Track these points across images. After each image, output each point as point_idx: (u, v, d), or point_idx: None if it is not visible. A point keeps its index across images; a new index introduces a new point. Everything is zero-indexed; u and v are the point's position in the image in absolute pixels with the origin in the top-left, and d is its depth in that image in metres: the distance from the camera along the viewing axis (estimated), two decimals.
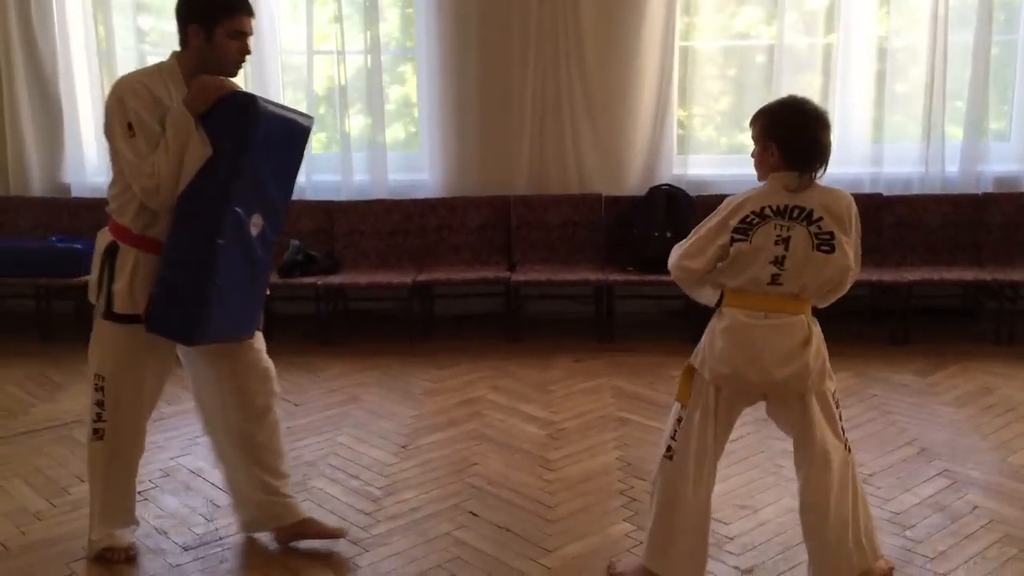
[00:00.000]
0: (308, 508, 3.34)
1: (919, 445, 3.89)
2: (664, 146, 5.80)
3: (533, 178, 5.85)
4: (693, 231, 2.68)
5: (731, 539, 3.14)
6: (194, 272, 2.68)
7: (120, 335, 2.81)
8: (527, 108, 5.70)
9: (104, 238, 2.83)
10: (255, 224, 2.77)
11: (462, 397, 4.57)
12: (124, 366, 2.84)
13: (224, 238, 2.68)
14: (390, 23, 6.08)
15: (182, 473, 3.76)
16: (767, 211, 2.55)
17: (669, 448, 2.69)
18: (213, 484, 3.60)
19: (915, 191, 5.67)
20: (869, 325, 5.47)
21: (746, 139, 5.97)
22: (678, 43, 5.73)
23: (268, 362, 3.01)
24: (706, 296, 2.71)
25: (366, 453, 3.92)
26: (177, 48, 2.80)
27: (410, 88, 6.14)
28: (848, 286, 2.62)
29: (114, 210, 2.80)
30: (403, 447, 3.98)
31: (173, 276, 2.72)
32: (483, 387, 4.70)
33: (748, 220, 2.55)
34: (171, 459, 3.90)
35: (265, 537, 3.17)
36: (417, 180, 6.01)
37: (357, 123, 5.98)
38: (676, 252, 2.69)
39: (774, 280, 2.54)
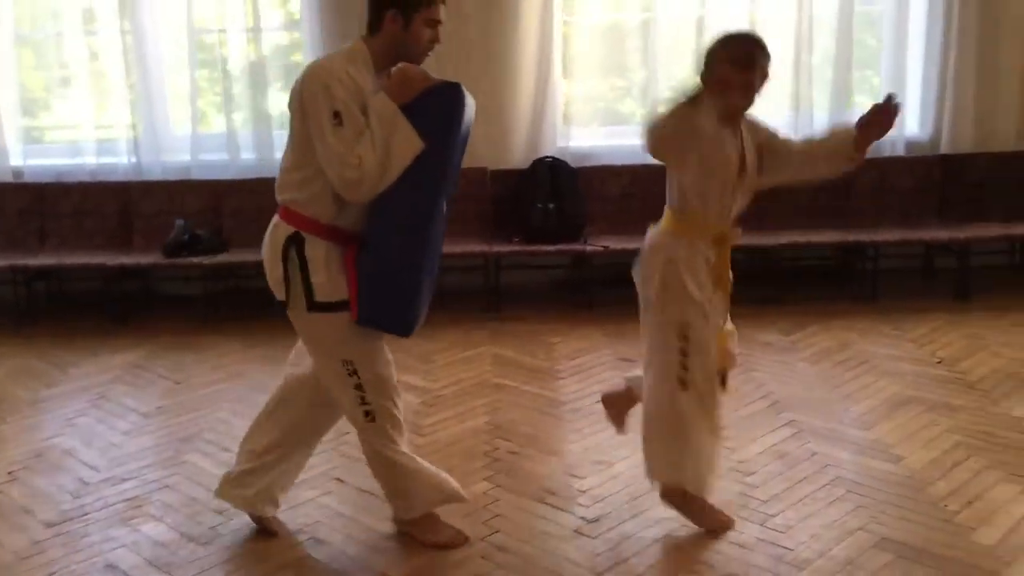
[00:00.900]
0: (177, 482, 3.43)
1: (772, 399, 4.11)
2: (547, 119, 5.92)
3: None
4: None
5: (583, 492, 3.31)
6: (407, 266, 2.67)
7: (338, 320, 2.71)
8: None
9: (283, 230, 2.70)
10: (444, 207, 2.76)
11: None
12: (366, 343, 2.76)
13: (434, 228, 2.69)
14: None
15: (55, 453, 3.79)
16: None
17: (682, 380, 2.83)
18: (85, 463, 3.65)
19: None
20: (744, 288, 5.68)
21: (626, 111, 6.20)
22: (559, 17, 5.85)
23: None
24: None
25: (243, 427, 3.97)
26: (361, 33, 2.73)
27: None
28: None
29: (297, 200, 2.68)
30: None
31: (384, 270, 2.66)
32: None
33: None
34: (44, 440, 3.92)
35: (129, 510, 3.24)
36: None
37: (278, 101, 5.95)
38: None
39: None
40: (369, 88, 2.63)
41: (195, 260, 5.49)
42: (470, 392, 4.31)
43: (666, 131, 2.59)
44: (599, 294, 5.50)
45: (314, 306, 2.70)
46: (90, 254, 5.64)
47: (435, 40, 2.71)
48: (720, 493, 3.21)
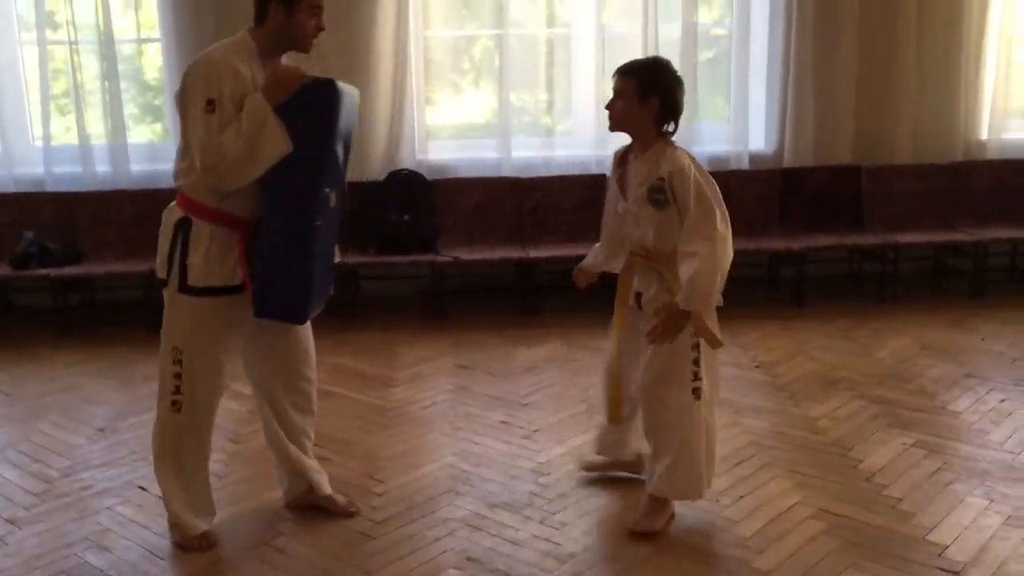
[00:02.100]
0: None
1: (588, 403, 4.22)
2: (404, 133, 6.01)
3: None
4: (709, 202, 2.82)
5: (380, 495, 3.39)
6: (296, 255, 2.76)
7: (197, 308, 2.81)
8: None
9: (174, 213, 2.82)
10: (332, 198, 2.84)
11: None
12: (202, 338, 2.85)
13: (319, 219, 2.76)
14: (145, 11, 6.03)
15: None
16: None
17: (696, 391, 2.92)
18: None
19: None
20: (595, 296, 5.84)
21: (481, 126, 6.33)
22: (417, 31, 5.95)
23: (310, 342, 3.14)
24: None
25: (62, 439, 3.99)
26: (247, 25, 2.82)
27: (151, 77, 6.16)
28: None
29: (187, 185, 2.78)
30: (100, 430, 4.06)
31: (275, 261, 2.77)
32: None
33: None
34: None
35: None
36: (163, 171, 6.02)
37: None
38: (720, 223, 2.82)
39: None
40: (258, 77, 2.73)
41: (42, 272, 5.44)
42: None
43: None
44: (455, 305, 5.61)
45: (184, 288, 2.80)
46: None
47: (319, 27, 2.82)
48: (507, 493, 3.34)
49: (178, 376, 2.88)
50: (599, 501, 3.29)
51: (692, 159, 2.91)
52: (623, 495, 3.33)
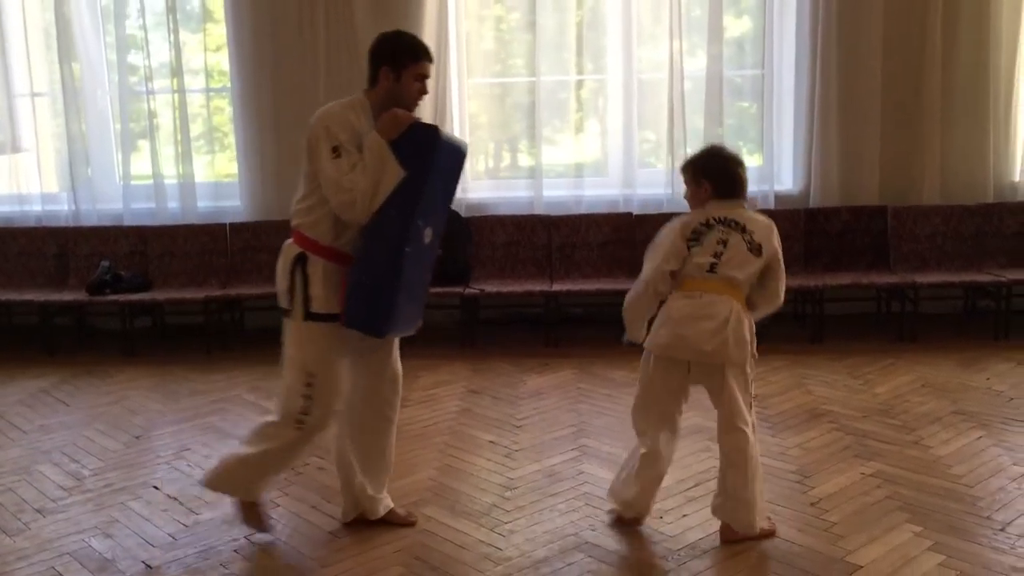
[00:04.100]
0: (15, 484, 3.93)
1: (580, 426, 4.49)
2: None
3: None
4: (650, 257, 3.29)
5: None
6: (386, 275, 3.09)
7: (323, 333, 3.15)
8: None
9: (292, 249, 3.18)
10: (427, 234, 3.21)
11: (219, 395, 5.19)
12: (330, 361, 3.20)
13: (410, 246, 3.12)
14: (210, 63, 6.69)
15: None
16: (711, 221, 3.21)
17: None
18: None
19: (663, 210, 6.33)
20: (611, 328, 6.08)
21: (521, 167, 6.69)
22: (459, 80, 6.38)
23: (398, 368, 3.44)
24: (639, 329, 3.34)
25: (101, 443, 4.51)
26: (364, 86, 3.23)
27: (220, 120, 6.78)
28: (782, 294, 3.29)
29: (304, 224, 3.16)
30: (136, 437, 4.57)
31: (367, 279, 3.09)
32: (244, 389, 5.30)
33: (697, 230, 3.21)
34: None
35: None
36: (229, 207, 6.62)
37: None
38: (647, 268, 3.27)
39: (712, 268, 3.19)
40: (365, 130, 3.11)
41: (113, 297, 6.07)
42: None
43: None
44: (485, 335, 5.98)
45: (309, 316, 3.15)
46: (30, 291, 6.27)
47: (423, 92, 3.23)
48: (472, 503, 3.64)
49: (308, 398, 3.18)
50: (551, 515, 3.55)
51: (683, 222, 3.26)
52: (578, 509, 3.57)
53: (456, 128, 6.41)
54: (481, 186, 6.60)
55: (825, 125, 6.13)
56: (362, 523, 3.50)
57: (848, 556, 3.14)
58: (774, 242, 3.24)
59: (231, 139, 6.61)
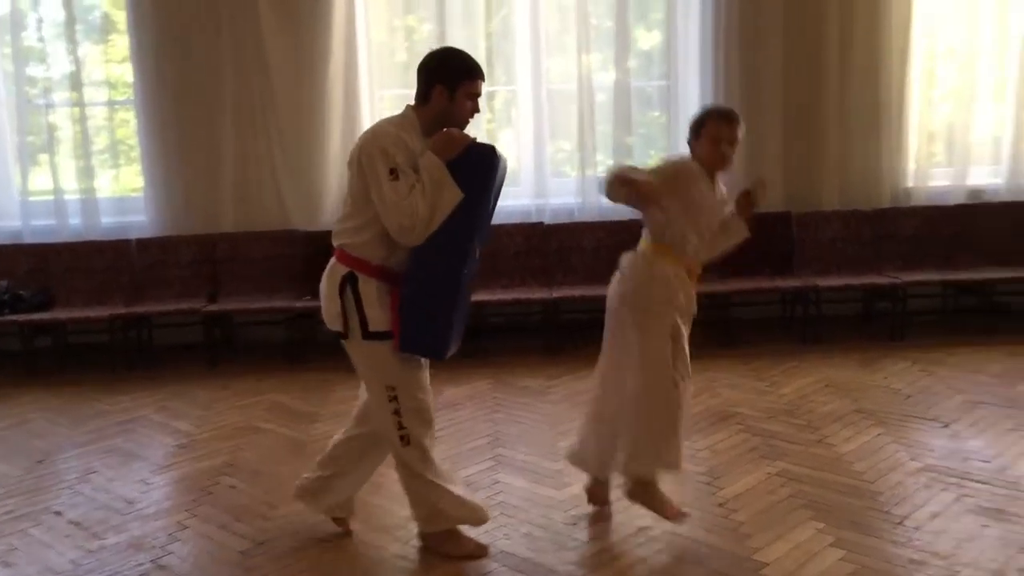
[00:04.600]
0: None
1: (496, 435, 4.51)
2: None
3: (240, 217, 6.38)
4: None
5: (268, 520, 3.68)
6: (444, 298, 3.06)
7: (387, 349, 3.09)
8: (229, 156, 6.28)
9: (339, 269, 3.10)
10: (477, 252, 3.16)
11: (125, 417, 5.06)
12: (408, 373, 3.14)
13: (467, 267, 3.09)
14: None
15: None
16: None
17: (674, 378, 3.33)
18: None
19: (575, 219, 6.41)
20: (531, 337, 6.15)
21: None
22: (369, 91, 6.37)
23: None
24: None
25: (1, 470, 4.35)
26: (411, 103, 3.15)
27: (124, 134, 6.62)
28: None
29: (352, 244, 3.08)
30: (39, 462, 4.41)
31: (424, 301, 3.05)
32: (152, 409, 5.18)
33: None
34: None
35: None
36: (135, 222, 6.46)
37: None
38: None
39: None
40: (418, 150, 3.05)
41: (12, 318, 5.86)
42: (227, 435, 4.69)
43: (641, 182, 3.19)
44: None
45: (368, 335, 3.09)
46: None
47: (476, 110, 3.16)
48: (388, 517, 3.62)
49: (398, 412, 3.14)
50: (466, 526, 3.55)
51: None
52: (492, 519, 3.58)
53: None
54: None
55: None
56: (275, 540, 3.46)
57: (755, 554, 3.23)
58: None
59: (136, 152, 6.45)
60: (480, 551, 3.31)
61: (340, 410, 5.01)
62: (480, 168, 3.08)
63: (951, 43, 6.43)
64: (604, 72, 6.43)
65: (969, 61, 6.37)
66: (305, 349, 6.10)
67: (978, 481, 3.73)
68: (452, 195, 3.01)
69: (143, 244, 6.32)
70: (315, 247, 6.24)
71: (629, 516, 3.57)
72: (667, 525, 3.45)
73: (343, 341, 3.17)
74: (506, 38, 6.43)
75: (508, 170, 3.27)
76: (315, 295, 5.93)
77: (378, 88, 6.45)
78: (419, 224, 2.98)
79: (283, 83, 6.22)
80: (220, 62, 6.17)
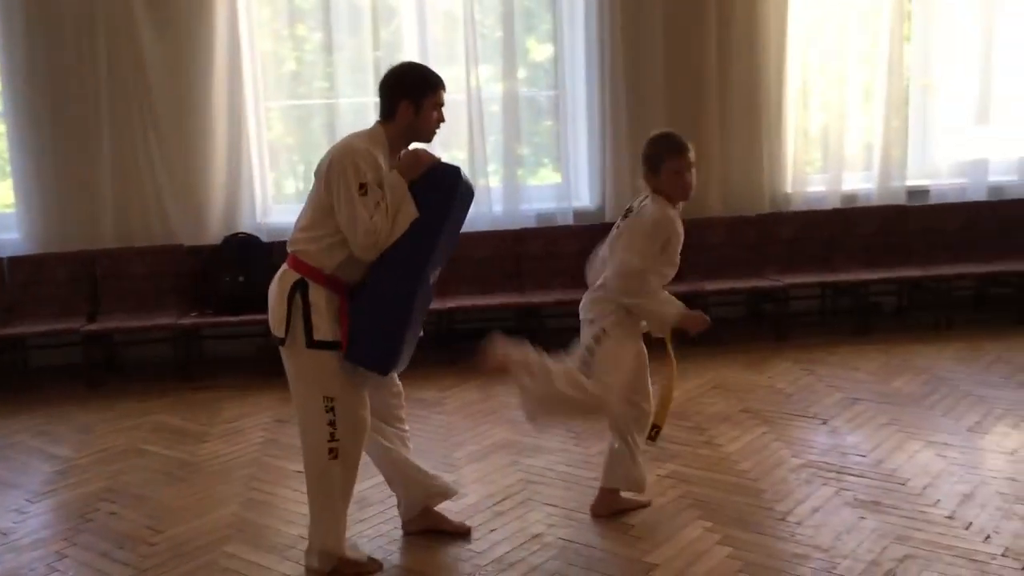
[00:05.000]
0: None
1: None
2: (244, 198, 6.27)
3: (121, 232, 6.16)
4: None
5: (153, 544, 3.56)
6: (396, 314, 3.06)
7: (330, 359, 3.06)
8: (107, 169, 6.06)
9: (290, 276, 3.08)
10: (434, 275, 3.17)
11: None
12: (350, 387, 3.10)
13: (420, 287, 3.08)
14: None
15: None
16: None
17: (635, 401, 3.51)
18: None
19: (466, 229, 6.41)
20: (429, 350, 6.11)
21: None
22: (255, 102, 6.24)
23: (400, 384, 3.43)
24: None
25: None
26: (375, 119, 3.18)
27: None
28: None
29: (307, 252, 3.07)
30: None
31: (377, 317, 3.05)
32: (28, 434, 4.95)
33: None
34: None
35: None
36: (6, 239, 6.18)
37: None
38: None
39: None
40: (385, 166, 3.08)
41: None
42: (109, 459, 4.52)
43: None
44: None
45: (313, 343, 3.05)
46: None
47: (441, 120, 3.18)
48: (277, 536, 3.54)
49: (332, 424, 3.10)
50: (359, 541, 3.50)
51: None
52: (384, 534, 3.56)
53: (254, 151, 6.27)
54: (287, 210, 6.45)
55: (616, 144, 6.41)
56: (159, 566, 3.35)
57: (645, 556, 3.28)
58: None
59: (7, 168, 6.17)
60: (373, 566, 3.28)
61: (229, 429, 4.89)
62: (441, 189, 3.13)
63: (825, 55, 6.70)
64: (495, 83, 6.46)
65: (841, 72, 6.66)
66: (193, 368, 5.92)
67: (855, 475, 3.89)
68: (408, 214, 3.06)
69: (16, 262, 6.04)
70: (201, 262, 6.11)
71: (523, 524, 3.58)
72: (560, 532, 3.49)
73: (281, 348, 3.14)
74: (395, 48, 6.40)
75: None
76: (202, 311, 5.94)
77: (265, 100, 6.33)
78: (381, 242, 3.04)
79: (163, 94, 6.05)
80: (96, 72, 5.96)
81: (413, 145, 3.23)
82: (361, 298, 3.10)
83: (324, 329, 3.07)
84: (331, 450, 3.12)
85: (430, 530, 3.50)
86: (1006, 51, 6.84)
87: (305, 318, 3.06)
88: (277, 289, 3.13)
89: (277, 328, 3.12)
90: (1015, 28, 6.85)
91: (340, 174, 3.01)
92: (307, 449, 3.18)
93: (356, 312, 3.09)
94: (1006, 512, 3.48)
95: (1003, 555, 3.18)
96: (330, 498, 3.18)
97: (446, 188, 3.14)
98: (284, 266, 3.16)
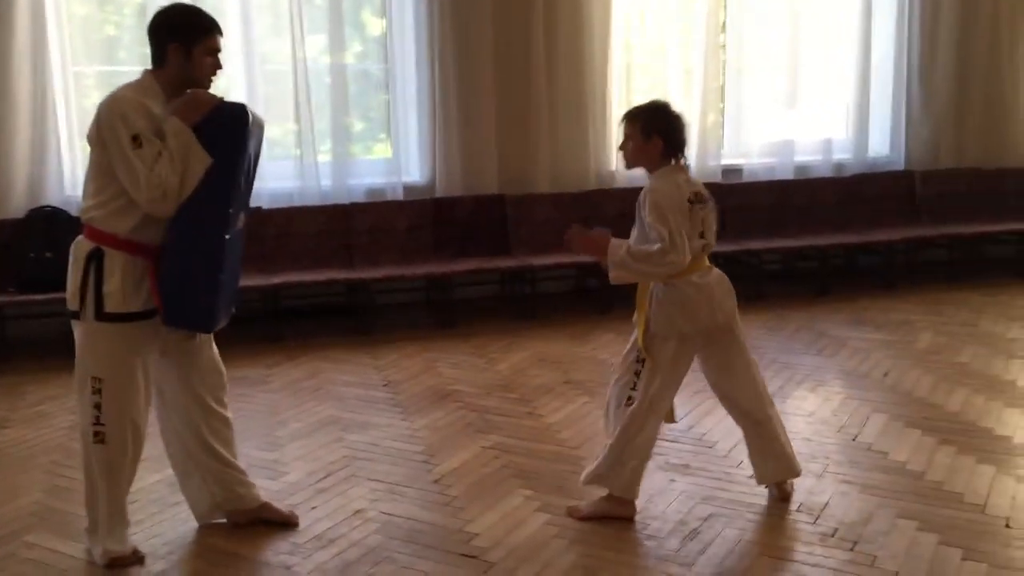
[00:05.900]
0: None
1: None
2: (51, 169, 5.90)
3: None
4: (658, 226, 3.12)
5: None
6: (205, 266, 2.91)
7: (114, 335, 2.91)
8: None
9: (83, 245, 2.91)
10: (240, 219, 3.01)
11: None
12: (120, 366, 2.94)
13: (229, 233, 2.90)
14: None
15: None
16: (692, 197, 3.20)
17: (630, 398, 3.31)
18: None
19: (295, 204, 6.28)
20: (252, 327, 5.97)
21: None
22: (63, 68, 5.86)
23: (219, 359, 3.21)
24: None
25: None
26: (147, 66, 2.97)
27: None
28: None
29: (97, 218, 2.88)
30: None
31: (185, 272, 2.90)
32: None
33: (692, 203, 3.19)
34: None
35: None
36: None
37: None
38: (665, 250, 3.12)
39: (703, 248, 3.28)
40: (161, 115, 2.89)
41: None
42: None
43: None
44: None
45: (102, 316, 2.89)
46: None
47: (217, 66, 2.99)
48: (84, 523, 3.38)
49: (98, 407, 2.94)
50: (173, 524, 3.41)
51: (675, 184, 3.22)
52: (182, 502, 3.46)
53: (62, 118, 5.91)
54: None
55: (447, 120, 6.42)
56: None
57: (467, 526, 3.33)
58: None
59: None
60: (134, 558, 3.14)
61: (33, 414, 4.62)
62: (231, 129, 2.96)
63: (647, 39, 6.93)
64: (321, 52, 6.32)
65: (661, 56, 6.90)
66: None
67: (668, 440, 4.07)
68: (200, 160, 2.89)
69: None
70: (3, 237, 5.72)
71: (345, 500, 3.56)
72: (382, 506, 3.49)
73: (73, 322, 2.98)
74: (218, 14, 6.11)
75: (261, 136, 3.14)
76: (4, 290, 5.55)
77: (74, 65, 5.96)
78: (170, 193, 2.86)
79: None
80: None
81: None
82: (167, 257, 2.95)
83: (117, 300, 2.92)
84: (96, 433, 2.99)
85: (257, 520, 3.38)
86: (812, 40, 7.28)
87: (96, 289, 2.91)
88: (72, 260, 2.98)
89: (72, 301, 2.97)
90: (821, 19, 7.30)
91: (110, 129, 2.84)
92: (80, 427, 3.08)
93: (165, 273, 2.95)
94: (803, 470, 3.73)
95: (798, 510, 3.41)
96: (93, 482, 3.06)
97: (235, 126, 2.96)
98: (79, 236, 3.00)
